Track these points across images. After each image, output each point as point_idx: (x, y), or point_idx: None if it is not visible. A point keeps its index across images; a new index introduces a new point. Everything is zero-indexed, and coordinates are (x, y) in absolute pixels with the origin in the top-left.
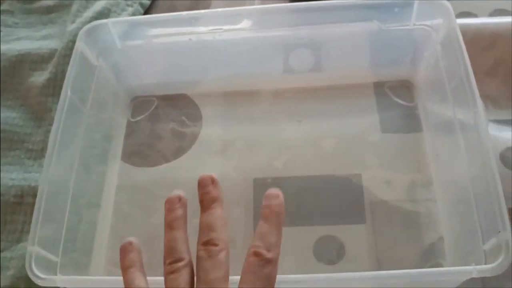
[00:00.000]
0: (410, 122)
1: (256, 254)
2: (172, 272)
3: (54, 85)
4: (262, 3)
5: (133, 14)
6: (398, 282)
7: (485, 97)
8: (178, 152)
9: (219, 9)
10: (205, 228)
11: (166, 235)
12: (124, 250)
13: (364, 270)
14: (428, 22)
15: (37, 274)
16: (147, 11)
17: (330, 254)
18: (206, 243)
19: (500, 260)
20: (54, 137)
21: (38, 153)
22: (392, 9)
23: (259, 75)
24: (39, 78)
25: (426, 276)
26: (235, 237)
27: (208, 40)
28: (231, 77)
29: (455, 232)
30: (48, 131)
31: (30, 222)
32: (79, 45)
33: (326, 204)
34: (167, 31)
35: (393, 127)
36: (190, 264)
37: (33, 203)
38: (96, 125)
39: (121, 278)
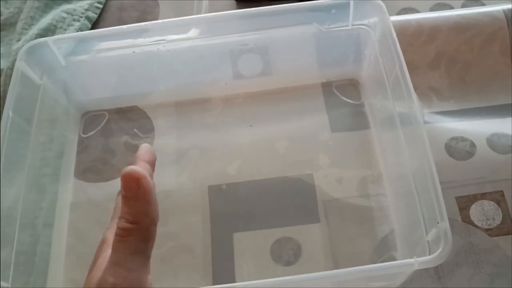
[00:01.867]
0: (358, 120)
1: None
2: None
3: (2, 106)
4: (210, 6)
5: (80, 28)
6: (346, 279)
7: (429, 89)
8: (132, 165)
9: (163, 20)
10: None
11: None
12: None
13: (320, 269)
14: (365, 21)
15: None
16: (95, 25)
17: (287, 255)
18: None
19: (439, 250)
20: None
21: None
22: (329, 10)
23: (209, 82)
24: None
25: (370, 272)
26: (193, 245)
27: (154, 51)
28: (181, 86)
29: (404, 224)
30: None
31: None
32: (20, 64)
33: (280, 206)
34: (112, 45)
35: (342, 125)
36: None
37: None
38: (47, 143)
39: None
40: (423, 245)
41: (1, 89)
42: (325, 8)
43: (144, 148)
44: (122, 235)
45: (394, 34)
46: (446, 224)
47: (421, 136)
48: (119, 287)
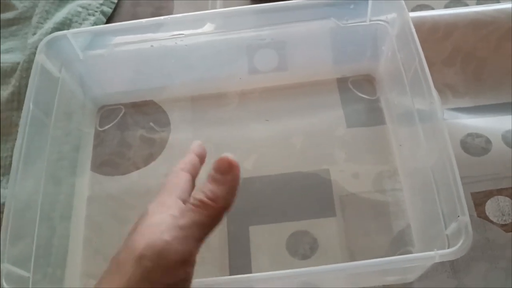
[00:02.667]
0: (374, 115)
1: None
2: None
3: (19, 99)
4: (224, 5)
5: (95, 23)
6: (366, 271)
7: (444, 86)
8: (149, 158)
9: (181, 15)
10: None
11: None
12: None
13: (337, 262)
14: (383, 17)
15: None
16: (110, 19)
17: (303, 249)
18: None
19: (460, 244)
20: (18, 153)
21: (7, 169)
22: (348, 6)
23: (225, 77)
24: (3, 92)
25: (391, 264)
26: (210, 239)
27: (171, 46)
28: (197, 81)
29: (421, 219)
30: None
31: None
32: (40, 57)
33: (296, 201)
34: (129, 39)
35: (358, 121)
36: None
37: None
38: (63, 137)
39: None
40: (442, 239)
41: (17, 83)
42: (344, 4)
43: (196, 142)
44: (197, 206)
45: (414, 30)
46: (466, 217)
47: (441, 131)
48: (170, 247)
